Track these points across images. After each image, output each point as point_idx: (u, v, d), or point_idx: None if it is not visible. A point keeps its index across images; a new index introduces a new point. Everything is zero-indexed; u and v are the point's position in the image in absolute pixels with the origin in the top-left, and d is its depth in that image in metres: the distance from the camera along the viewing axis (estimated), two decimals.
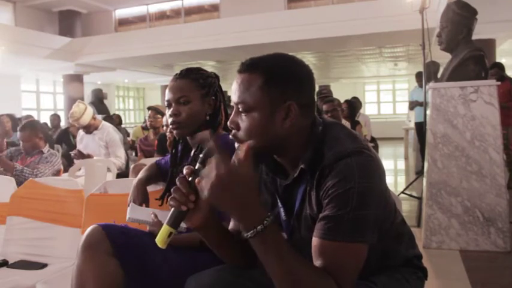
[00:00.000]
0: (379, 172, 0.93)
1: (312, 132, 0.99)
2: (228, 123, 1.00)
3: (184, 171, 0.91)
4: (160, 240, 0.89)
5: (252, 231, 0.84)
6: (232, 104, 1.01)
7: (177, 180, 0.90)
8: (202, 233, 1.01)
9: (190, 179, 0.90)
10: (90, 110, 3.77)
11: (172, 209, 0.91)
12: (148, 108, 4.13)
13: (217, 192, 0.82)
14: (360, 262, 0.90)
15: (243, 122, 0.97)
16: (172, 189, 0.90)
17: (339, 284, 0.86)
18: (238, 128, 0.98)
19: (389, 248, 1.05)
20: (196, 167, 0.91)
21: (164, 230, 0.89)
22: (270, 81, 0.95)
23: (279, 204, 1.05)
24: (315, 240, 0.91)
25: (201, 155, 0.92)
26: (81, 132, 3.95)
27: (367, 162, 0.91)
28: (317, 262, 0.90)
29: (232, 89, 1.00)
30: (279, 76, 0.96)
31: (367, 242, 0.90)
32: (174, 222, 0.90)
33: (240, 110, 0.97)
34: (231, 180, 0.82)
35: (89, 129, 3.80)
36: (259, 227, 0.83)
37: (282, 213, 1.05)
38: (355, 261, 0.90)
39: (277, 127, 0.96)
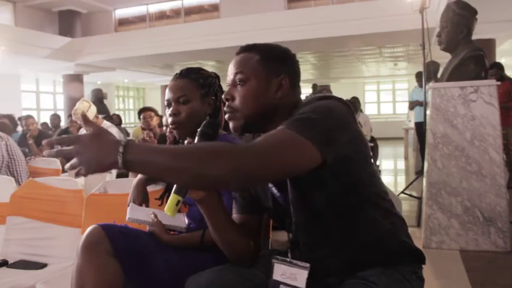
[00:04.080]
0: (342, 110, 0.98)
1: (297, 108, 1.06)
2: (224, 95, 1.09)
3: (186, 142, 0.96)
4: (169, 208, 0.93)
5: (118, 156, 0.81)
6: (228, 80, 1.10)
7: None
8: (206, 208, 1.06)
9: None
10: (93, 108, 3.80)
11: None
12: (140, 112, 4.12)
13: (80, 157, 0.83)
14: (285, 147, 0.87)
15: (239, 91, 1.07)
16: None
17: (235, 148, 0.85)
18: (233, 98, 1.08)
19: (368, 207, 1.05)
20: (196, 140, 1.03)
21: (172, 198, 0.94)
22: (267, 57, 1.08)
23: (270, 184, 1.10)
24: None
25: (198, 130, 1.04)
26: (82, 131, 3.95)
27: (330, 102, 0.99)
28: None
29: (230, 68, 1.10)
30: (274, 55, 1.10)
31: (308, 139, 0.88)
32: (180, 190, 0.95)
33: (238, 81, 1.07)
34: (80, 142, 0.83)
35: None
36: (120, 148, 0.81)
37: (275, 191, 1.09)
38: (279, 142, 0.88)
39: (270, 97, 1.07)
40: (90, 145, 0.83)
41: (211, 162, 0.81)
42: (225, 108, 1.09)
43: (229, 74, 1.10)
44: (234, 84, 1.08)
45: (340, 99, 1.02)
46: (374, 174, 1.10)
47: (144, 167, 0.84)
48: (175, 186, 0.95)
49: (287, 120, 0.94)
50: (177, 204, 0.93)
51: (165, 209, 0.93)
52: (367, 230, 1.05)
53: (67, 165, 0.85)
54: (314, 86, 9.03)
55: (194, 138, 1.43)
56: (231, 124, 1.09)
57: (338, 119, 0.96)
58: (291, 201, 1.06)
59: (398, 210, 1.15)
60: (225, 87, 1.46)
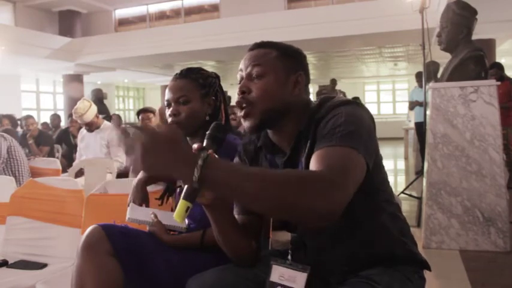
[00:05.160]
0: (367, 116, 0.99)
1: (308, 106, 1.08)
2: (240, 87, 1.07)
3: (195, 146, 0.94)
4: (178, 215, 0.90)
5: (195, 169, 0.74)
6: (240, 75, 1.08)
7: None
8: (212, 211, 1.04)
9: None
10: (94, 108, 3.78)
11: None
12: (138, 113, 4.11)
13: (148, 158, 0.74)
14: (356, 168, 0.87)
15: (256, 85, 1.04)
16: None
17: (332, 178, 0.82)
18: (249, 91, 1.05)
19: (389, 226, 1.06)
20: (205, 144, 0.98)
21: (181, 204, 0.91)
22: (285, 54, 1.07)
23: None
24: (311, 159, 0.92)
25: (207, 132, 1.00)
26: (83, 131, 3.95)
27: (356, 108, 1.00)
28: (313, 168, 0.89)
29: (242, 63, 1.08)
30: (291, 52, 1.09)
31: (362, 153, 0.89)
32: (190, 196, 0.92)
33: (255, 75, 1.04)
34: (154, 141, 0.75)
35: (91, 127, 3.81)
36: (199, 161, 0.74)
37: None
38: (351, 164, 0.87)
39: (288, 92, 1.05)
40: (163, 146, 0.75)
41: (317, 195, 0.77)
42: (238, 100, 1.05)
43: (242, 68, 1.07)
44: (249, 77, 1.06)
45: (361, 105, 1.02)
46: (385, 178, 1.10)
47: (226, 188, 0.78)
48: (184, 191, 0.92)
49: (333, 133, 0.92)
50: (186, 211, 0.90)
51: (174, 215, 0.91)
52: (377, 238, 1.05)
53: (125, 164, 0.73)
54: (333, 81, 8.99)
55: (194, 138, 1.44)
56: (246, 123, 1.05)
57: (369, 127, 0.97)
58: None
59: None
60: (225, 87, 1.46)
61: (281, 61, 1.05)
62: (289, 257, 1.08)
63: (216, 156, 0.96)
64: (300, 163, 1.03)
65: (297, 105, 1.06)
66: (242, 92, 1.05)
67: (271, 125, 1.08)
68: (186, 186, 0.93)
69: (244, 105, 1.04)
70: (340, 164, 0.86)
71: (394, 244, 1.07)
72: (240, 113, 1.06)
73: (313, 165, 0.89)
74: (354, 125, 0.93)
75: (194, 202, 0.92)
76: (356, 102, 1.02)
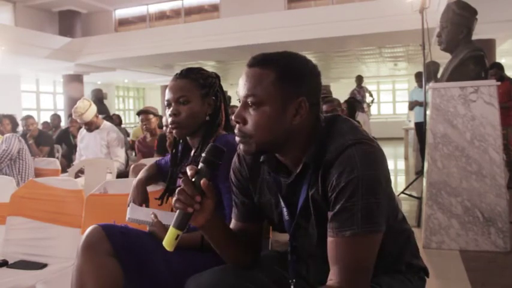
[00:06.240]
0: (381, 160, 0.93)
1: (316, 129, 0.98)
2: (234, 117, 0.97)
3: (188, 172, 0.91)
4: (167, 243, 0.88)
5: None
6: (238, 95, 0.99)
7: (181, 181, 0.91)
8: (207, 232, 1.02)
9: (193, 179, 0.90)
10: (94, 108, 3.78)
11: (178, 211, 0.91)
12: (138, 114, 4.11)
13: None
14: (375, 252, 0.90)
15: (252, 116, 0.95)
16: (177, 191, 0.90)
17: (355, 284, 0.88)
18: (244, 122, 0.96)
19: (392, 250, 1.05)
20: (199, 167, 0.92)
21: (171, 232, 0.88)
22: (284, 77, 0.94)
23: (282, 204, 1.04)
24: (330, 241, 0.91)
25: (203, 154, 0.93)
26: (82, 131, 3.95)
27: (369, 151, 0.91)
28: (335, 264, 0.89)
29: (240, 82, 0.97)
30: (292, 73, 0.95)
31: (380, 230, 0.90)
32: (180, 224, 0.89)
33: (250, 104, 0.95)
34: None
35: (91, 127, 3.80)
36: None
37: (285, 213, 1.04)
38: (372, 254, 0.90)
39: (287, 123, 0.95)
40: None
41: None
42: (235, 131, 0.98)
43: (239, 91, 0.97)
44: (245, 105, 0.96)
45: (376, 148, 0.93)
46: (392, 196, 1.05)
47: None
48: (174, 219, 0.90)
49: (351, 210, 0.88)
50: (176, 239, 0.88)
51: (163, 242, 0.88)
52: (380, 262, 1.01)
53: None
54: (359, 77, 8.92)
55: (194, 138, 1.44)
56: (242, 147, 0.99)
57: (385, 186, 0.93)
58: (308, 232, 1.01)
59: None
60: (225, 87, 1.46)
61: (279, 88, 0.93)
62: (292, 286, 1.05)
63: (210, 182, 0.92)
64: (303, 190, 0.98)
65: (300, 132, 0.96)
66: (237, 122, 0.97)
67: (270, 152, 1.01)
68: (177, 212, 0.90)
69: (240, 135, 0.97)
70: (361, 265, 0.89)
71: (397, 264, 1.07)
72: (237, 139, 0.99)
73: (336, 256, 0.90)
74: (371, 193, 0.89)
75: (184, 230, 0.90)
76: (367, 142, 0.93)
